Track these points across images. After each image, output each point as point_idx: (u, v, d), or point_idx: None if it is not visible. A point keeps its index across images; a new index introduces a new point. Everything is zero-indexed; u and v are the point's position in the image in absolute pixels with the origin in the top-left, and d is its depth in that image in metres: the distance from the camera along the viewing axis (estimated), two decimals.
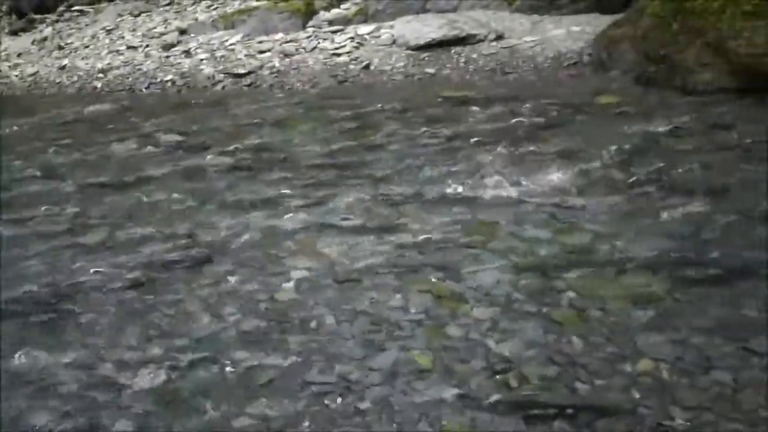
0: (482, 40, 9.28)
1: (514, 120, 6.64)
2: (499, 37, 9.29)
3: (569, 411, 2.99)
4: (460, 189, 5.17)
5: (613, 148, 5.54)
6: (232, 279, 4.22)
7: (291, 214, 5.01)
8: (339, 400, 3.17)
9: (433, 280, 4.03)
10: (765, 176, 4.79)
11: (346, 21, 10.79)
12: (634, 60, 7.56)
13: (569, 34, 8.97)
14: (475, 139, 6.17)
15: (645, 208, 4.61)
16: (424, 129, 6.58)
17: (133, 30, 12.85)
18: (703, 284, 3.74)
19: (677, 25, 7.14)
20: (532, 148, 5.81)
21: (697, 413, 2.90)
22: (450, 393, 3.15)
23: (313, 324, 3.74)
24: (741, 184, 4.73)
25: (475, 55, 8.96)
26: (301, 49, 10.00)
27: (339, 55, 9.66)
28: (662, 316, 3.53)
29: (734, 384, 3.04)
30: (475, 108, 7.11)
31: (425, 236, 4.51)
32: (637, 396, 3.05)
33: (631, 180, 5.01)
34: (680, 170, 5.03)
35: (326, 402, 3.17)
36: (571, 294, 3.78)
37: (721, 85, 6.75)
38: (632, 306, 3.63)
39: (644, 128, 5.91)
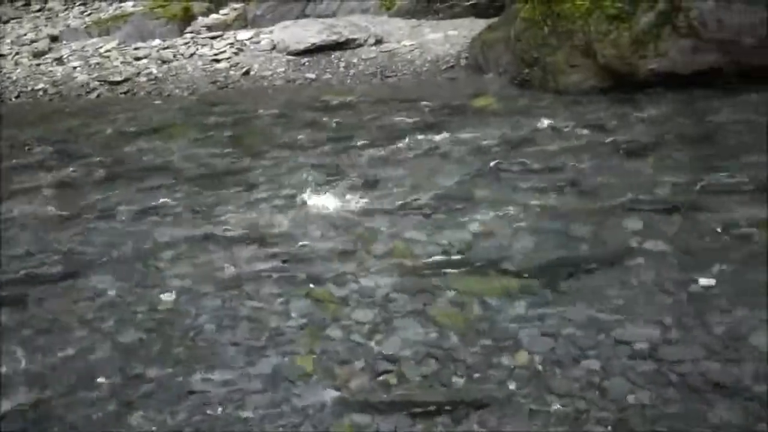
0: (362, 45, 9.34)
1: (394, 121, 6.71)
2: (379, 42, 9.38)
3: (449, 406, 3.06)
4: (340, 193, 5.18)
5: (486, 143, 5.71)
6: (110, 291, 4.12)
7: (171, 224, 4.92)
8: (220, 408, 3.14)
9: (312, 285, 4.03)
10: (632, 170, 5.01)
11: (225, 27, 10.66)
12: (508, 62, 7.76)
13: (447, 38, 9.13)
14: (360, 142, 6.20)
15: (517, 203, 4.73)
16: (305, 133, 6.57)
17: (2, 37, 12.32)
18: (575, 277, 3.88)
19: (548, 28, 7.38)
20: (410, 146, 5.89)
21: (569, 400, 3.02)
22: (331, 395, 3.17)
23: (193, 333, 3.70)
24: (609, 179, 4.92)
25: (355, 60, 9.02)
26: (179, 56, 9.82)
27: (218, 61, 9.54)
28: (536, 309, 3.64)
29: (603, 372, 3.17)
30: (355, 111, 7.15)
31: (306, 242, 4.51)
32: (513, 387, 3.15)
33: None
34: (551, 166, 5.20)
35: (207, 411, 3.14)
36: (449, 293, 3.85)
37: (590, 85, 7.01)
38: (508, 301, 3.73)
39: (518, 127, 6.08)
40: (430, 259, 4.19)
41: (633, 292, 3.69)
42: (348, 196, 5.08)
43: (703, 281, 3.69)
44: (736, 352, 3.18)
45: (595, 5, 7.07)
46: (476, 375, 3.23)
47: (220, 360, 3.45)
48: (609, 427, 2.86)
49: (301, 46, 9.36)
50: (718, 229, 4.17)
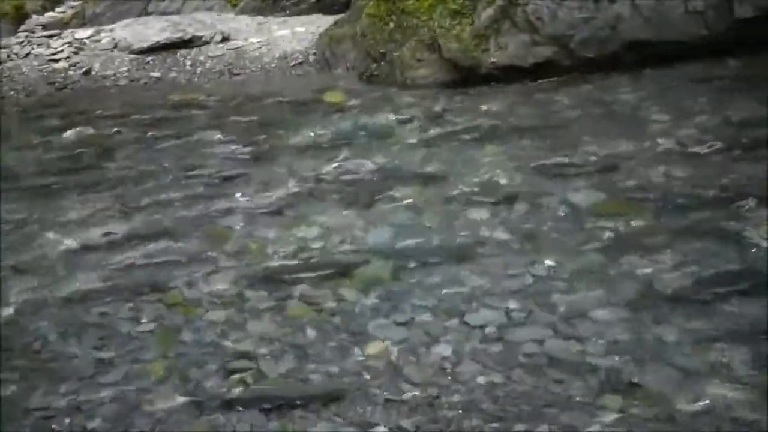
0: (208, 42, 9.16)
1: (244, 119, 6.64)
2: (225, 39, 9.23)
3: (305, 400, 3.06)
4: (190, 193, 5.08)
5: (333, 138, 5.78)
6: None
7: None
8: (67, 420, 3.01)
9: (165, 288, 3.94)
10: (476, 160, 5.16)
11: (63, 25, 10.22)
12: (356, 58, 7.83)
13: (294, 34, 9.10)
14: (209, 139, 6.09)
15: (363, 198, 4.80)
16: (152, 133, 6.40)
17: None
18: (425, 267, 3.96)
19: (393, 24, 7.51)
20: (266, 145, 5.85)
21: (422, 387, 3.08)
22: (184, 398, 3.10)
23: (36, 345, 3.53)
24: (458, 169, 5.05)
25: (201, 58, 8.85)
26: (13, 56, 9.33)
27: (56, 60, 9.11)
28: (389, 300, 3.70)
29: (454, 357, 3.25)
30: (203, 110, 7.02)
31: (157, 244, 4.40)
32: (368, 377, 3.18)
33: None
34: (397, 161, 5.29)
35: (53, 427, 3.00)
36: (304, 289, 3.85)
37: (436, 78, 7.16)
38: (363, 294, 3.77)
39: (365, 121, 6.15)
40: (284, 256, 4.18)
41: (482, 278, 3.80)
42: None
43: (546, 264, 3.84)
44: (577, 329, 3.33)
45: (438, 1, 7.25)
46: (332, 368, 3.24)
47: (66, 371, 3.31)
48: (460, 410, 2.93)
49: (145, 45, 9.09)
50: (561, 213, 4.36)
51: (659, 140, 5.11)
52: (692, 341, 3.19)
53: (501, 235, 4.19)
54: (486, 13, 6.95)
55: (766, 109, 5.22)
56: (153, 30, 9.38)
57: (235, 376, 3.23)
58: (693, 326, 3.29)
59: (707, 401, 2.84)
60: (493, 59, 6.88)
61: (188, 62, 8.82)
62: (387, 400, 3.02)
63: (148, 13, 10.34)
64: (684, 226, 4.06)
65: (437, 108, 6.37)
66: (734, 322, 3.29)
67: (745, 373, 2.97)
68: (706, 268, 3.66)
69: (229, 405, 3.06)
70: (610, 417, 2.82)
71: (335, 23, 8.55)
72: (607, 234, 4.08)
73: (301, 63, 8.42)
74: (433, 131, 5.79)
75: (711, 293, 3.49)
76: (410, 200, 4.67)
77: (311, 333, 3.48)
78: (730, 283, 3.53)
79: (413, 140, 5.64)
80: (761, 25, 6.33)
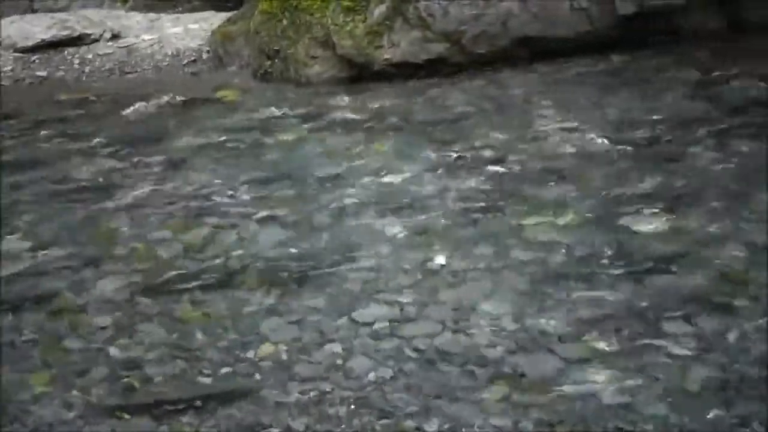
0: (97, 40, 8.90)
1: (137, 119, 6.51)
2: (116, 37, 8.98)
3: (195, 404, 3.02)
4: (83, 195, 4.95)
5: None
6: None
7: None
8: None
9: (50, 296, 3.82)
10: (370, 158, 5.19)
11: None
12: (250, 55, 7.74)
13: (187, 31, 8.93)
14: (96, 140, 5.93)
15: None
16: (44, 132, 6.19)
17: None
18: (317, 266, 3.95)
19: (287, 20, 7.45)
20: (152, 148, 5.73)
21: (313, 384, 3.08)
22: (69, 408, 3.02)
23: None
24: (349, 166, 5.07)
25: (90, 56, 8.59)
26: None
27: None
28: (281, 300, 3.68)
29: (346, 354, 3.26)
30: (91, 109, 6.84)
31: (41, 251, 4.26)
32: (259, 378, 3.16)
33: None
34: (288, 160, 5.27)
35: None
36: (193, 291, 3.80)
37: (331, 75, 7.15)
38: (253, 294, 3.74)
39: (259, 118, 6.12)
40: (173, 259, 4.11)
41: (374, 275, 3.82)
42: None
43: (439, 259, 3.89)
44: (466, 323, 3.39)
45: None
46: (223, 370, 3.21)
47: None
48: (352, 406, 2.95)
49: (29, 43, 8.75)
50: (452, 208, 4.43)
51: (547, 136, 5.23)
52: (576, 328, 3.28)
53: (393, 231, 4.22)
54: (378, 10, 6.99)
55: (647, 104, 5.42)
56: (39, 27, 9.05)
57: (123, 383, 3.16)
58: (578, 313, 3.39)
59: (585, 386, 2.93)
60: (386, 56, 6.91)
61: (76, 61, 8.55)
62: (278, 400, 3.01)
63: (34, 10, 9.98)
64: (576, 211, 4.17)
65: (331, 105, 6.37)
66: (617, 308, 3.40)
67: (620, 357, 3.08)
68: (592, 256, 3.78)
69: (116, 412, 3.00)
70: (496, 407, 2.88)
71: (228, 20, 8.44)
72: (497, 227, 4.16)
73: (194, 61, 8.27)
74: (326, 129, 5.79)
75: (598, 280, 3.60)
76: (301, 200, 4.65)
77: (200, 336, 3.43)
78: (612, 268, 3.65)
79: (305, 138, 5.63)
80: (643, 21, 6.58)
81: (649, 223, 3.96)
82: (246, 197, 4.78)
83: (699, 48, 6.35)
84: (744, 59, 5.90)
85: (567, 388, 2.95)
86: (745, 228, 3.81)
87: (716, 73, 5.74)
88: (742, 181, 4.22)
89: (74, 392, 3.12)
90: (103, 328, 3.55)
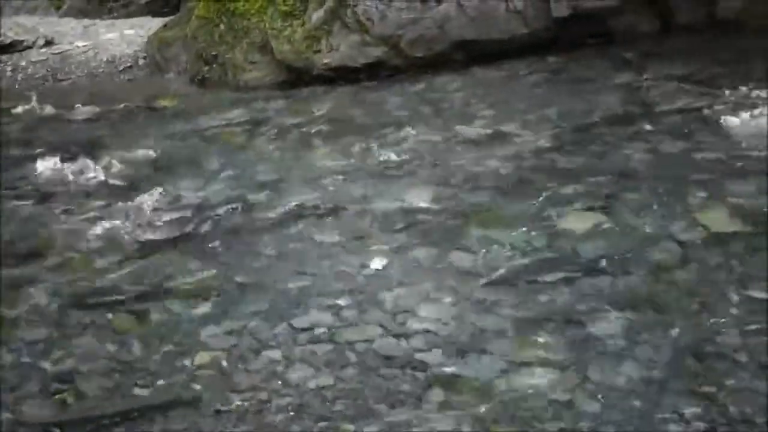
0: (30, 47, 8.74)
1: (71, 129, 6.39)
2: (50, 43, 8.83)
3: (130, 416, 2.97)
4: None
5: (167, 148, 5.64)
6: None
7: None
8: None
9: None
10: (308, 163, 5.17)
11: None
12: (187, 61, 7.67)
13: (123, 37, 8.82)
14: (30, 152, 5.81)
15: None
16: None
17: None
18: (255, 273, 3.93)
19: (224, 25, 7.40)
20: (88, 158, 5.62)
21: (251, 393, 3.05)
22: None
23: None
24: (287, 172, 5.05)
25: (23, 63, 8.43)
26: None
27: None
28: (219, 309, 3.64)
29: (285, 361, 3.24)
30: (24, 118, 6.69)
31: None
32: (198, 388, 3.12)
33: None
34: (227, 167, 5.23)
35: None
36: (129, 300, 3.74)
37: (270, 81, 7.13)
38: (189, 304, 3.69)
39: (197, 125, 6.06)
40: (109, 269, 4.04)
41: (312, 281, 3.80)
42: None
43: (376, 263, 3.90)
44: (405, 326, 3.39)
45: (269, 2, 7.21)
46: (159, 381, 3.17)
47: None
48: (290, 413, 2.93)
49: None
50: (392, 211, 4.43)
51: (485, 138, 5.27)
52: (513, 328, 3.31)
53: (331, 237, 4.20)
54: (317, 15, 6.98)
55: (581, 105, 5.50)
56: None
57: (56, 398, 3.09)
58: (514, 313, 3.41)
59: (525, 386, 2.96)
60: (325, 60, 6.91)
61: (9, 68, 8.40)
62: (216, 410, 2.98)
63: None
64: (512, 214, 4.20)
65: (270, 110, 6.35)
66: (552, 309, 3.43)
67: (561, 356, 3.11)
68: (524, 256, 3.82)
69: (48, 429, 2.93)
70: (435, 410, 2.89)
71: (165, 25, 8.36)
72: (431, 228, 4.18)
73: (130, 67, 8.17)
74: (265, 134, 5.77)
75: (531, 281, 3.63)
76: (239, 208, 4.62)
77: (136, 347, 3.38)
78: (547, 270, 3.69)
79: (243, 145, 5.59)
80: (577, 23, 6.68)
81: (582, 222, 4.02)
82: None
83: (632, 49, 6.46)
84: (673, 60, 6.02)
85: (505, 389, 2.97)
86: (675, 226, 3.88)
87: (647, 74, 5.84)
88: (670, 180, 4.30)
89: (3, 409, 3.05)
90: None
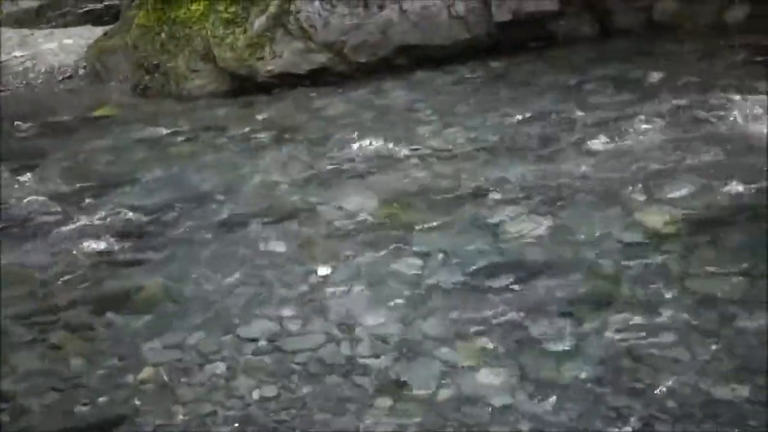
0: None
1: (9, 142, 6.28)
2: None
3: None
4: None
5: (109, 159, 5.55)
6: None
7: None
8: None
9: None
10: (252, 172, 5.14)
11: None
12: (129, 70, 7.58)
13: (62, 47, 8.69)
14: None
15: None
16: None
17: None
18: (200, 284, 3.89)
19: (165, 34, 7.32)
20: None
21: (195, 407, 3.02)
22: None
23: None
24: (231, 181, 5.01)
25: None
26: None
27: None
28: (163, 321, 3.60)
29: (228, 373, 3.21)
30: None
31: None
32: (139, 403, 3.08)
33: None
34: (169, 178, 5.17)
35: None
36: (70, 315, 3.68)
37: (213, 89, 7.08)
38: (134, 317, 3.64)
39: (140, 135, 5.98)
40: (49, 283, 3.97)
41: (257, 291, 3.78)
42: None
43: (321, 271, 3.89)
44: (350, 334, 3.39)
45: (210, 10, 7.16)
46: (101, 398, 3.11)
47: None
48: (236, 424, 2.91)
49: None
50: (336, 219, 4.42)
51: (429, 141, 5.30)
52: (457, 334, 3.33)
53: (277, 247, 4.18)
54: (259, 22, 6.94)
55: (523, 108, 5.56)
56: None
57: None
58: (459, 318, 3.43)
59: (468, 390, 2.97)
60: (268, 67, 6.89)
61: None
62: (159, 425, 2.94)
63: None
64: (448, 222, 4.23)
65: (213, 119, 6.30)
66: (497, 312, 3.45)
67: (504, 360, 3.14)
68: (470, 261, 3.84)
69: None
70: (381, 417, 2.89)
71: (105, 34, 8.26)
72: (376, 235, 4.18)
73: (70, 77, 8.05)
74: (208, 144, 5.72)
75: (476, 285, 3.66)
76: (185, 219, 4.58)
77: (77, 363, 3.32)
78: (493, 275, 3.71)
79: (185, 154, 5.54)
80: (518, 28, 6.76)
81: (525, 225, 4.06)
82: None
83: (572, 52, 6.56)
84: (611, 63, 6.11)
85: (450, 394, 2.98)
86: (614, 227, 3.94)
87: (586, 77, 5.93)
88: (609, 180, 4.37)
89: None
90: None
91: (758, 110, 4.83)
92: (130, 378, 3.23)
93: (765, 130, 4.62)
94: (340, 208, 4.52)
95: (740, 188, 4.07)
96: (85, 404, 3.09)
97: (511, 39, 6.79)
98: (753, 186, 4.07)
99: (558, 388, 2.94)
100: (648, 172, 4.39)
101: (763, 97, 4.98)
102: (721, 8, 6.59)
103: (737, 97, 5.00)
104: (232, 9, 7.07)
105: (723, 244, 3.69)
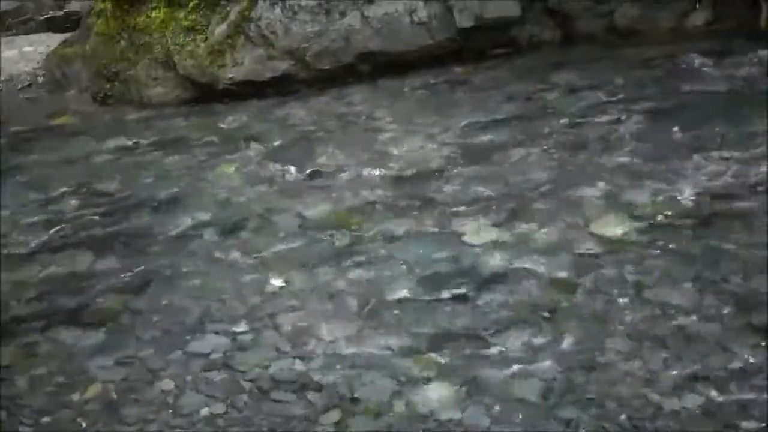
0: None
1: None
2: None
3: None
4: None
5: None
6: None
7: None
8: None
9: None
10: (211, 182, 5.08)
11: None
12: (88, 78, 7.45)
13: (22, 55, 8.56)
14: None
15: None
16: None
17: None
18: (151, 297, 3.82)
19: (124, 41, 7.22)
20: None
21: (141, 425, 2.95)
22: None
23: None
24: (190, 191, 4.94)
25: None
26: None
27: None
28: (112, 338, 3.53)
29: (177, 390, 3.15)
30: None
31: None
32: (85, 424, 3.01)
33: None
34: (128, 188, 5.10)
35: None
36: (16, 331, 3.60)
37: (174, 96, 6.99)
38: (82, 333, 3.57)
39: (99, 146, 5.89)
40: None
41: (210, 304, 3.72)
42: None
43: (275, 283, 3.83)
44: (302, 348, 3.33)
45: (170, 17, 7.07)
46: (43, 419, 3.04)
47: None
48: None
49: None
50: (293, 229, 4.37)
51: (389, 150, 5.26)
52: (411, 347, 3.28)
53: (231, 256, 4.13)
54: (219, 29, 6.87)
55: (485, 114, 5.54)
56: None
57: None
58: (414, 332, 3.39)
59: (419, 406, 2.93)
60: (230, 75, 6.80)
61: None
62: None
63: None
64: (408, 231, 4.19)
65: (172, 127, 6.22)
66: (451, 324, 3.42)
67: (456, 373, 3.10)
68: (427, 271, 3.80)
69: None
70: None
71: (65, 42, 8.12)
72: (336, 246, 4.13)
73: (30, 85, 7.91)
74: (167, 152, 5.63)
75: (431, 297, 3.62)
76: (142, 230, 4.50)
77: (21, 382, 3.24)
78: (447, 285, 3.67)
79: (143, 162, 5.46)
80: (482, 34, 6.74)
81: (481, 234, 4.03)
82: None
83: (534, 58, 6.55)
84: (572, 69, 6.11)
85: (402, 409, 2.94)
86: (571, 235, 3.92)
87: (548, 84, 5.92)
88: (569, 188, 4.35)
89: None
90: None
91: None
92: (75, 397, 3.16)
93: None
94: (297, 217, 4.48)
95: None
96: (26, 425, 3.02)
97: (475, 45, 6.77)
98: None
99: (508, 400, 2.91)
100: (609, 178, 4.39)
101: None
102: (683, 13, 6.62)
103: None
104: (192, 16, 6.99)
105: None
